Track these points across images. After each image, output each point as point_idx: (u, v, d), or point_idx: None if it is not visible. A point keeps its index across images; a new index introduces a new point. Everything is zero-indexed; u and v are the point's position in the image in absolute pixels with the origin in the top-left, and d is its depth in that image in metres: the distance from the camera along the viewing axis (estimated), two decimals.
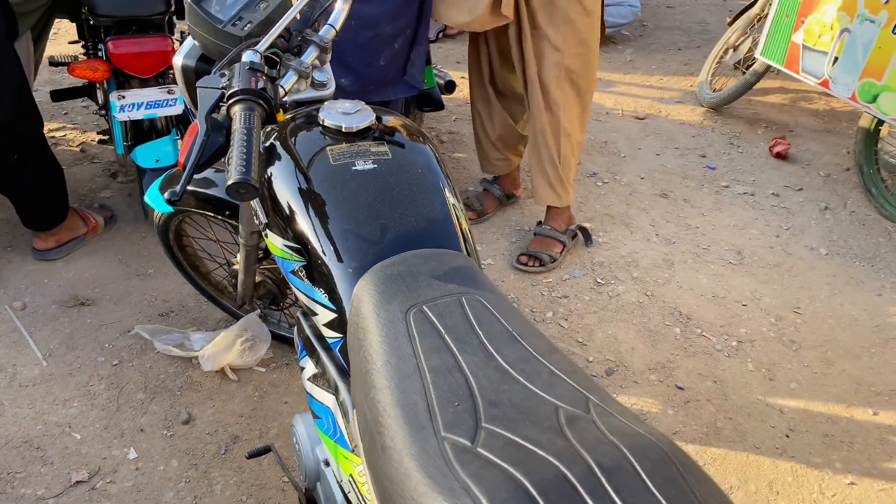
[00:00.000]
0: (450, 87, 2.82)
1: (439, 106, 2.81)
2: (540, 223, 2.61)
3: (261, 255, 1.74)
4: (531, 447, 0.72)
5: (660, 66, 4.30)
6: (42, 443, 1.79)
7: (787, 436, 1.93)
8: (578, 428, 0.75)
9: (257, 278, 1.83)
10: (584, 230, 2.64)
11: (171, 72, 2.32)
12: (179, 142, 2.44)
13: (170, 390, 1.95)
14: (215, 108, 1.05)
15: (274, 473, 1.75)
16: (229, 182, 0.91)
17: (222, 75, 1.09)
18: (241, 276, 1.77)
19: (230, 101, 1.02)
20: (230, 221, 1.69)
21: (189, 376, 2.00)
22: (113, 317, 2.18)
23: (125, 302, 2.25)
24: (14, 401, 1.89)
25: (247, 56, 1.09)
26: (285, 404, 1.94)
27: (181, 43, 2.29)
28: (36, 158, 2.22)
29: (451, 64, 4.16)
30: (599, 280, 2.49)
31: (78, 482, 1.70)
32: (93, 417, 1.86)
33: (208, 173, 1.64)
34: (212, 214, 1.70)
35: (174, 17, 2.39)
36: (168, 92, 2.26)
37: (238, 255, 1.73)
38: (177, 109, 2.30)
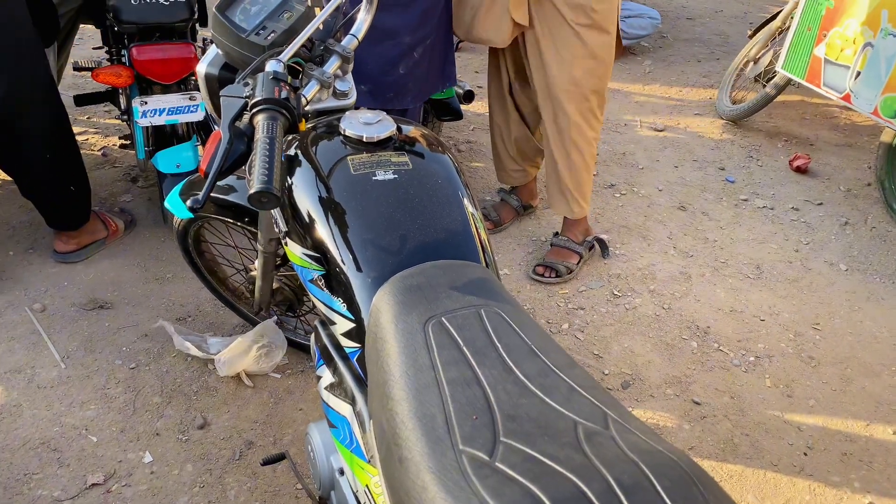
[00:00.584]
0: (468, 96, 2.83)
1: (458, 115, 2.82)
2: (557, 234, 2.60)
3: (278, 262, 1.75)
4: (550, 463, 0.71)
5: (679, 77, 4.29)
6: (59, 444, 1.80)
7: (805, 454, 1.91)
8: (597, 444, 0.74)
9: (275, 285, 1.83)
10: (601, 242, 2.63)
11: (193, 78, 2.35)
12: (200, 148, 2.46)
13: (185, 395, 1.96)
14: (238, 116, 1.06)
15: (288, 480, 1.75)
16: (251, 191, 0.91)
17: (246, 84, 1.10)
18: (258, 283, 1.77)
19: (253, 111, 1.03)
20: (249, 228, 1.70)
21: (205, 381, 2.01)
22: (131, 320, 2.20)
23: (143, 306, 2.26)
24: (32, 402, 1.91)
25: (270, 66, 1.09)
26: (300, 411, 1.94)
27: (203, 50, 2.32)
28: (65, 156, 2.25)
29: (469, 74, 4.17)
30: (616, 292, 2.47)
31: (93, 485, 1.71)
32: (109, 420, 1.88)
33: (229, 180, 1.65)
34: (231, 221, 1.71)
35: (197, 25, 2.42)
36: (190, 98, 2.29)
37: (256, 262, 1.74)
38: (198, 116, 2.32)
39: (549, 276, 2.48)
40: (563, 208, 2.50)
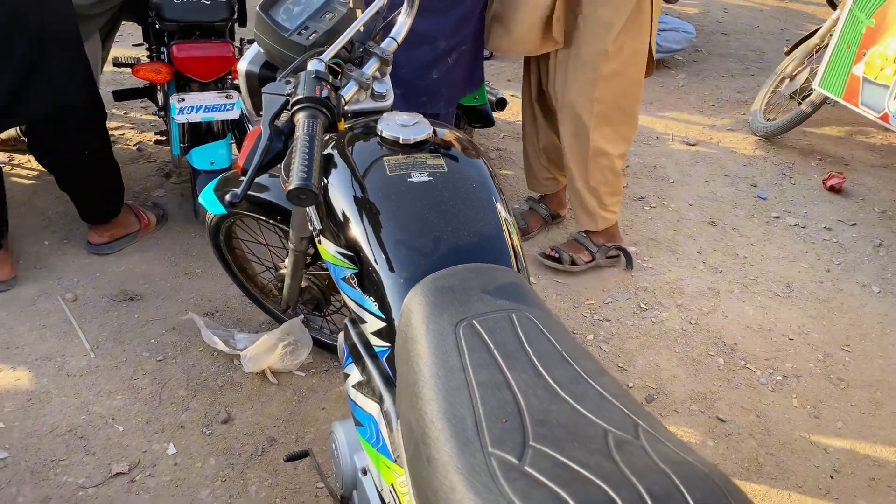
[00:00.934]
0: (501, 104, 2.84)
1: (489, 123, 2.83)
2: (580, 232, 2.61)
3: (308, 261, 1.76)
4: (579, 469, 0.71)
5: (713, 92, 4.26)
6: (86, 432, 1.83)
7: (832, 476, 1.88)
8: (627, 453, 0.74)
9: (303, 283, 1.85)
10: (625, 252, 2.61)
11: (230, 77, 2.38)
12: (234, 146, 2.49)
13: (211, 389, 1.98)
14: (279, 114, 1.07)
15: (308, 478, 1.76)
16: (290, 187, 0.92)
17: (287, 82, 1.11)
18: (287, 281, 1.79)
19: (294, 108, 1.04)
20: (280, 226, 1.71)
21: (230, 376, 2.02)
22: (159, 313, 2.23)
23: (172, 299, 2.29)
24: (61, 390, 1.94)
25: (312, 65, 1.11)
26: (322, 410, 1.95)
27: (241, 50, 2.34)
28: (99, 152, 2.29)
29: (502, 82, 4.17)
30: (643, 305, 2.46)
31: (118, 473, 1.73)
32: (135, 411, 1.90)
33: (263, 178, 1.67)
34: (263, 218, 1.72)
35: (236, 24, 2.45)
36: (226, 97, 2.31)
37: (286, 260, 1.75)
38: (234, 114, 2.34)
39: (550, 260, 2.51)
40: (587, 223, 2.51)
